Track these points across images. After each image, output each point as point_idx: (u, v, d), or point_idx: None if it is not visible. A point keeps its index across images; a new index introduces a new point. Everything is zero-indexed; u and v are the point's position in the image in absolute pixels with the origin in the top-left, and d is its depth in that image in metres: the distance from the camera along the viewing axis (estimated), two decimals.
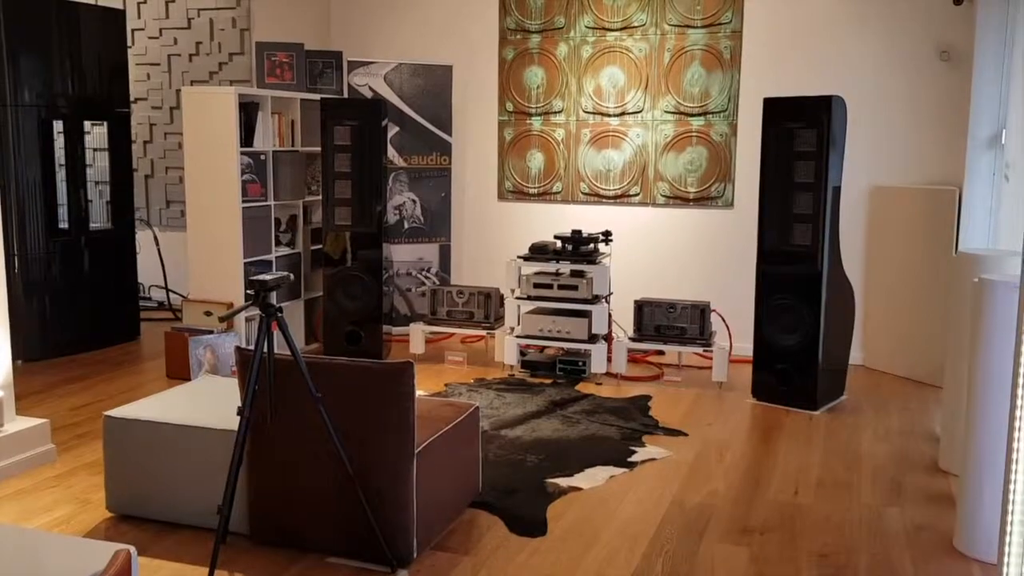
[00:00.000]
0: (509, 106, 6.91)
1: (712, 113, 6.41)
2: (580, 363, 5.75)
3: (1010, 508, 2.65)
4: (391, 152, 6.68)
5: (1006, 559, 2.68)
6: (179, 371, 5.58)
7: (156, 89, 7.89)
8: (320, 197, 6.22)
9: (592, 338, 5.72)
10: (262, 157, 6.00)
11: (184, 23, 7.72)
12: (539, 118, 6.84)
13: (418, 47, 7.11)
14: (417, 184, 6.82)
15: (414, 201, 6.82)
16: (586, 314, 5.72)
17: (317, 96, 6.39)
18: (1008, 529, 2.66)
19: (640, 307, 5.74)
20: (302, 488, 3.27)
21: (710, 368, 5.79)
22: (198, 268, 5.88)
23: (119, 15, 6.60)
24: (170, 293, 7.66)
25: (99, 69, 6.35)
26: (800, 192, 5.12)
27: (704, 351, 5.64)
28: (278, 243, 6.25)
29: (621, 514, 3.72)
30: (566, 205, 6.85)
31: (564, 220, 6.85)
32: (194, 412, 3.59)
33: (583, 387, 5.58)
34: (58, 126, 6.13)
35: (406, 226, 6.81)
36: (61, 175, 6.19)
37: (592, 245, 5.85)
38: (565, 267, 5.83)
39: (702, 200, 6.49)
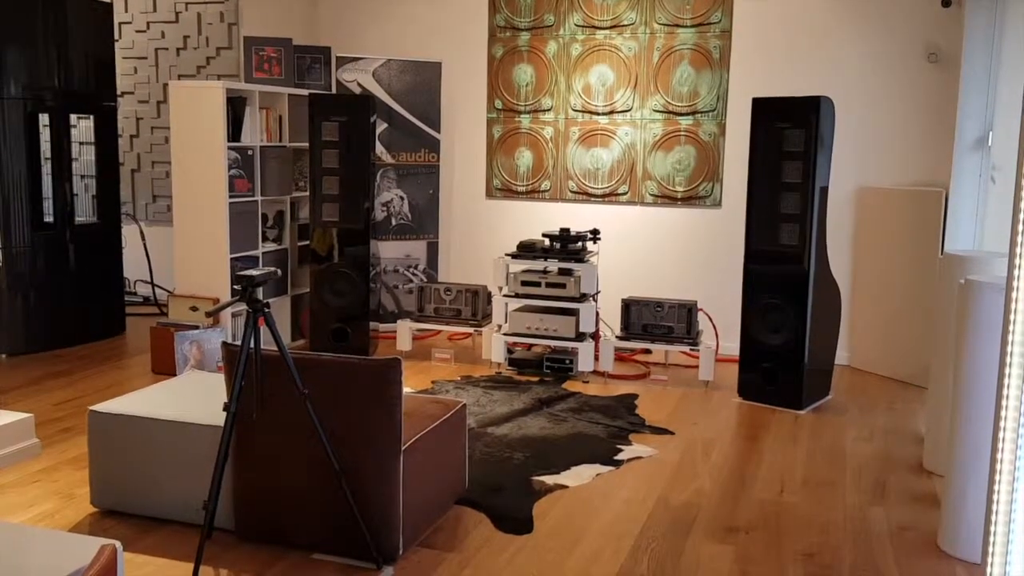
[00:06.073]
0: (498, 104, 6.90)
1: (701, 112, 6.42)
2: (567, 361, 5.76)
3: (994, 508, 2.67)
4: (379, 148, 6.67)
5: (990, 559, 2.70)
6: (165, 366, 5.55)
7: (143, 83, 7.85)
8: (307, 193, 6.20)
9: (579, 336, 5.72)
10: (249, 152, 5.98)
11: (172, 17, 7.68)
12: (528, 116, 6.83)
13: (407, 43, 7.09)
14: (405, 181, 6.80)
15: (402, 198, 6.81)
16: (573, 312, 5.73)
17: (305, 91, 6.37)
18: (992, 529, 2.68)
19: (627, 306, 5.74)
20: (288, 484, 3.26)
21: (697, 367, 5.80)
22: (184, 263, 5.85)
23: (106, 8, 6.56)
24: (156, 288, 7.63)
25: (86, 62, 6.31)
26: (787, 192, 5.14)
27: (691, 350, 5.65)
28: (265, 239, 6.23)
29: (607, 512, 3.73)
30: (554, 203, 6.85)
31: (552, 218, 6.85)
32: (180, 408, 3.57)
33: (570, 385, 5.58)
34: (44, 119, 6.09)
35: (393, 223, 6.80)
36: (47, 168, 6.15)
37: (580, 243, 5.85)
38: (553, 265, 5.83)
39: (690, 199, 6.50)
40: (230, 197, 5.78)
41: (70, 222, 6.28)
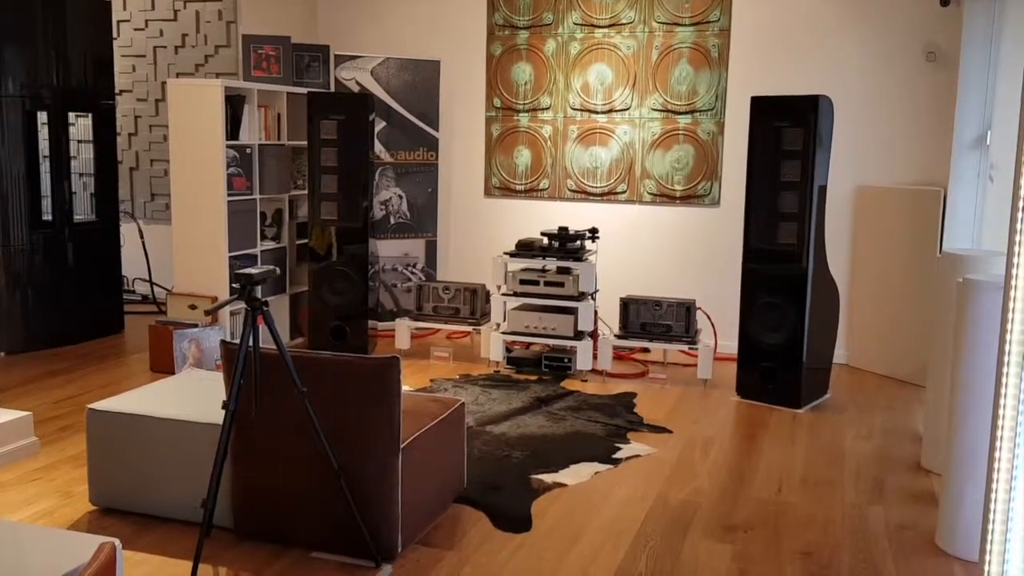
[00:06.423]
0: (496, 102, 6.90)
1: (699, 111, 6.42)
2: (566, 360, 5.76)
3: (992, 507, 2.67)
4: (378, 147, 6.67)
5: (987, 557, 2.70)
6: (163, 365, 5.55)
7: (141, 81, 7.84)
8: (306, 191, 6.20)
9: (578, 335, 5.72)
10: (248, 150, 5.98)
11: (170, 15, 7.68)
12: (526, 114, 6.83)
13: (406, 42, 7.09)
14: (403, 179, 6.80)
15: (400, 196, 6.81)
16: (572, 311, 5.73)
17: (304, 90, 6.37)
18: (990, 527, 2.68)
19: (626, 304, 5.74)
20: (287, 483, 3.26)
21: (695, 366, 5.80)
22: (183, 261, 5.85)
23: (105, 6, 6.56)
24: (154, 286, 7.62)
25: (84, 60, 6.30)
26: (786, 191, 5.14)
27: (689, 349, 5.66)
28: (263, 237, 6.23)
29: (605, 510, 3.73)
30: (553, 202, 6.85)
31: (551, 217, 6.86)
32: (178, 406, 3.57)
33: (568, 384, 5.58)
34: (42, 117, 6.09)
35: (392, 221, 6.80)
36: (45, 167, 6.15)
37: (579, 242, 5.85)
38: (551, 264, 5.83)
39: (688, 198, 6.51)
40: (228, 195, 5.77)
41: (69, 220, 6.27)
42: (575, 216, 6.79)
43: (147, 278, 7.63)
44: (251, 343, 3.04)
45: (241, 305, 5.20)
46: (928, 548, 3.45)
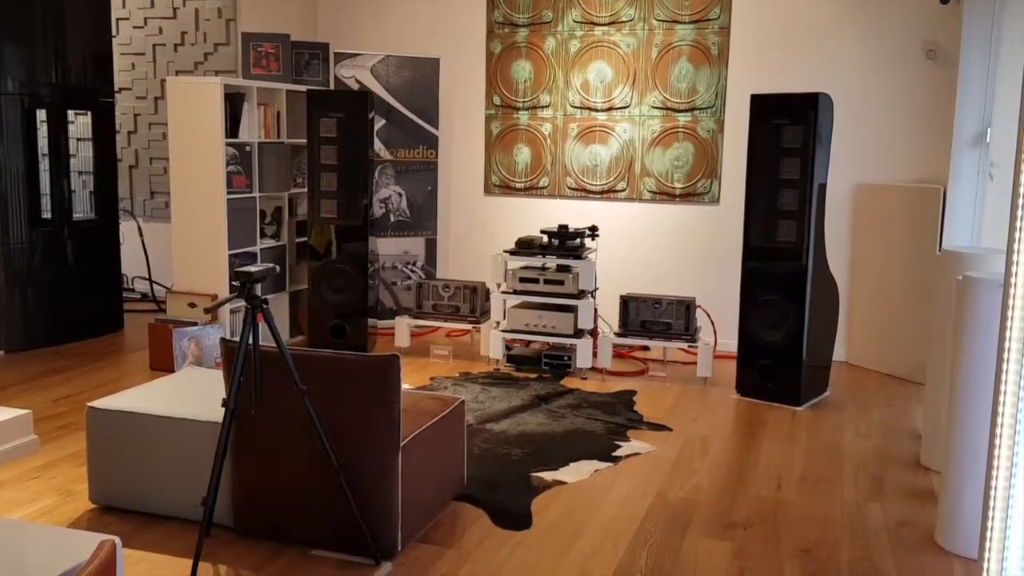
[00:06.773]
0: (496, 100, 6.90)
1: (699, 109, 6.42)
2: (565, 358, 5.76)
3: (991, 504, 2.67)
4: (377, 145, 6.66)
5: (987, 555, 2.70)
6: (163, 363, 5.55)
7: (141, 79, 7.84)
8: (306, 189, 6.19)
9: (578, 333, 5.72)
10: (247, 148, 5.97)
11: (169, 13, 7.67)
12: (526, 112, 6.83)
13: (405, 39, 7.09)
14: (403, 177, 6.80)
15: (400, 194, 6.81)
16: (572, 309, 5.73)
17: (303, 88, 6.36)
18: (989, 525, 2.68)
19: (626, 302, 5.74)
20: (287, 480, 3.26)
21: (695, 364, 5.80)
22: (182, 259, 5.85)
23: (104, 4, 6.55)
24: (154, 284, 7.62)
25: (83, 58, 6.30)
26: (786, 189, 5.14)
27: (689, 347, 5.66)
28: (263, 235, 6.23)
29: (605, 508, 3.73)
30: (552, 200, 6.85)
31: (550, 215, 6.85)
32: (178, 404, 3.57)
33: (568, 382, 5.58)
34: (41, 115, 6.08)
35: (392, 219, 6.80)
36: (44, 165, 6.14)
37: (578, 240, 5.85)
38: (551, 262, 5.83)
39: (688, 196, 6.50)
40: (228, 193, 5.77)
41: (68, 219, 6.27)
42: (575, 214, 6.79)
43: (147, 276, 7.63)
44: (251, 341, 3.04)
45: (241, 303, 5.19)
46: (927, 545, 3.45)
